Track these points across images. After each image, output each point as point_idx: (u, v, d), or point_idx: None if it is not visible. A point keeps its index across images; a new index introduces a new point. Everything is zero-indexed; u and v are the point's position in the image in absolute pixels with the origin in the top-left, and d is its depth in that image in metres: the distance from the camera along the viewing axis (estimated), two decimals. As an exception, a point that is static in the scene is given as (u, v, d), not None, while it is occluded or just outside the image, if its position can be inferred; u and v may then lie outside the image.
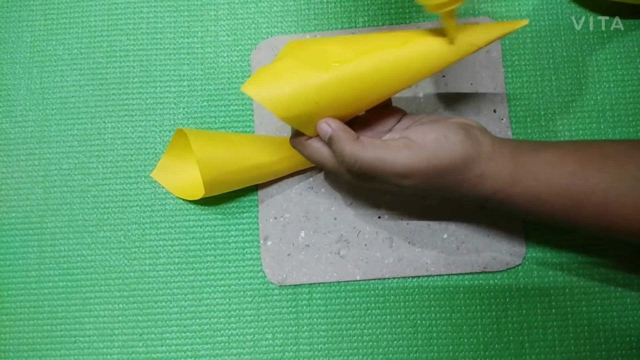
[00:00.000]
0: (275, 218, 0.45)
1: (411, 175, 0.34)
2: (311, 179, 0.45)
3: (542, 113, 0.46)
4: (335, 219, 0.45)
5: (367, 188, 0.45)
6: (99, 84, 0.48)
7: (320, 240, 0.44)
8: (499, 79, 0.46)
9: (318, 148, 0.36)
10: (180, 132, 0.44)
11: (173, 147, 0.46)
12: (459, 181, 0.34)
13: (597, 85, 0.46)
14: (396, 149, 0.34)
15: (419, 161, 0.34)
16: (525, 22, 0.35)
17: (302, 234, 0.45)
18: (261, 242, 0.45)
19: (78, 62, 0.48)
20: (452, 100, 0.46)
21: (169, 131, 0.47)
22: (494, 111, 0.46)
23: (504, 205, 0.35)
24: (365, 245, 0.44)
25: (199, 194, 0.43)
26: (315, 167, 0.45)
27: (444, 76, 0.46)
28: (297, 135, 0.38)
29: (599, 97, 0.46)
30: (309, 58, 0.35)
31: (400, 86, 0.36)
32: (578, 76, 0.46)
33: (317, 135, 0.36)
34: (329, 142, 0.35)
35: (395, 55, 0.35)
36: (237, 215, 0.45)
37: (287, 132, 0.46)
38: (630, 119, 0.45)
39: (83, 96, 0.48)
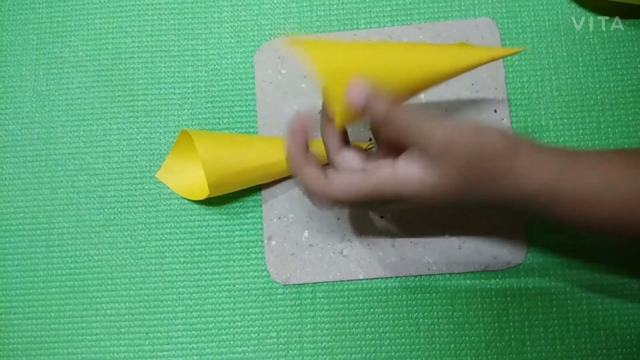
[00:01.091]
0: (279, 218, 0.45)
1: (450, 153, 0.30)
2: (314, 179, 0.46)
3: (543, 113, 0.46)
4: (338, 218, 0.45)
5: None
6: (104, 85, 0.48)
7: (324, 240, 0.45)
8: (499, 79, 0.46)
9: (346, 176, 0.33)
10: (184, 133, 0.44)
11: (178, 148, 0.46)
12: (505, 171, 0.31)
13: (597, 85, 0.46)
14: (434, 121, 0.31)
15: (460, 135, 0.30)
16: (526, 48, 0.38)
17: (306, 233, 0.45)
18: (265, 241, 0.45)
19: (84, 64, 0.49)
20: (453, 101, 0.46)
21: (174, 132, 0.47)
22: (495, 111, 0.46)
23: (547, 210, 0.32)
24: (368, 244, 0.45)
25: (204, 194, 0.44)
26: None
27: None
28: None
29: (598, 97, 0.46)
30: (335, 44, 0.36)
31: (430, 74, 0.36)
32: (578, 76, 0.46)
33: (338, 142, 0.35)
34: (367, 101, 0.32)
35: (423, 47, 0.37)
36: (241, 215, 0.46)
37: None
38: (630, 118, 0.46)
39: (89, 98, 0.48)
